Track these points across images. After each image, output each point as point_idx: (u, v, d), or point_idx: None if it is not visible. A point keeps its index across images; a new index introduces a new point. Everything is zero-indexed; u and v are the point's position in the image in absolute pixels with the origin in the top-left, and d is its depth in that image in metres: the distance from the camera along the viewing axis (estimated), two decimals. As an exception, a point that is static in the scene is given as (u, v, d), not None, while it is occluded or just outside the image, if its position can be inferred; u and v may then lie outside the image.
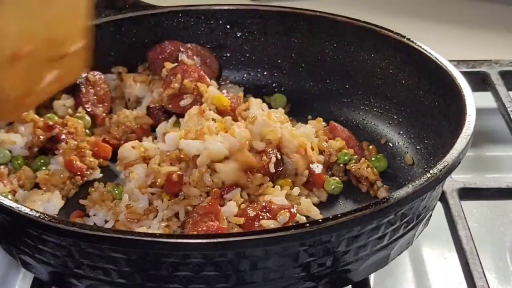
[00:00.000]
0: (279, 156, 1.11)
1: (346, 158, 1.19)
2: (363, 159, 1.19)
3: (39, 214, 0.88)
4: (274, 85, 1.38)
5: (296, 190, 1.11)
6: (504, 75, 1.47)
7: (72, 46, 1.08)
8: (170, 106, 1.24)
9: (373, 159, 1.20)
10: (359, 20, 1.31)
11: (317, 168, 1.15)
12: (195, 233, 1.00)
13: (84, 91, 1.28)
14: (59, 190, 1.15)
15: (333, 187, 1.15)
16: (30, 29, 1.02)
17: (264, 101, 1.29)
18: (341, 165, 1.19)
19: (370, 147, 1.23)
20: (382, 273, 1.07)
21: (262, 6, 1.40)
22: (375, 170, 1.17)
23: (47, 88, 1.08)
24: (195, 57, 1.33)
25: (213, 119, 1.17)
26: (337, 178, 1.17)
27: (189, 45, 1.35)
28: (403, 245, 1.00)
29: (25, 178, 1.15)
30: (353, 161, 1.19)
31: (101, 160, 1.22)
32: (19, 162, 1.18)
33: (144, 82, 1.32)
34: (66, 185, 1.16)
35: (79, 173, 1.17)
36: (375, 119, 1.29)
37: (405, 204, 0.91)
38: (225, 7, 1.39)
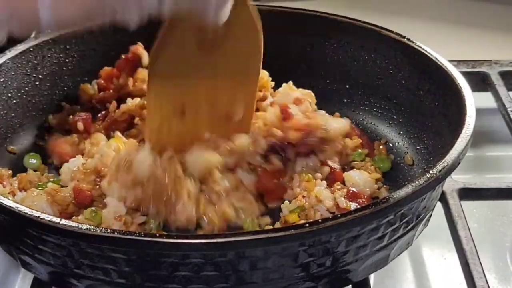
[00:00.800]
0: None
1: (360, 157, 1.19)
2: (367, 158, 1.19)
3: (39, 214, 0.88)
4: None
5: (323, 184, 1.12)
6: (504, 75, 1.47)
7: (235, 111, 1.12)
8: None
9: (375, 159, 1.20)
10: (359, 20, 1.31)
11: (335, 165, 1.15)
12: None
13: None
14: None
15: None
16: (194, 89, 1.08)
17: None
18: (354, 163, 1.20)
19: (381, 147, 1.23)
20: (382, 273, 1.07)
21: (262, 6, 1.39)
22: (378, 170, 1.17)
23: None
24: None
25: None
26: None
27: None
28: (402, 245, 1.00)
29: (26, 182, 1.14)
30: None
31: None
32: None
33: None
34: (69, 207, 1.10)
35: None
36: (375, 119, 1.29)
37: (405, 204, 0.91)
38: (225, 7, 1.39)
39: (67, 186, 1.10)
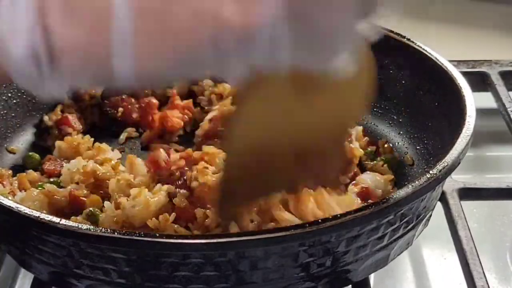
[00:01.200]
0: None
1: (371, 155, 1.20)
2: (379, 157, 1.19)
3: (38, 214, 0.88)
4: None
5: None
6: (504, 75, 1.47)
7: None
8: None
9: (383, 158, 1.20)
10: (359, 20, 1.31)
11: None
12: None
13: None
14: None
15: None
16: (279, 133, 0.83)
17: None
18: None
19: (385, 145, 1.23)
20: (382, 273, 1.07)
21: (262, 6, 1.40)
22: (389, 170, 1.17)
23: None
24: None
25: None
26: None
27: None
28: (402, 245, 1.00)
29: (26, 181, 1.14)
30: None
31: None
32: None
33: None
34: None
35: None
36: (375, 119, 1.29)
37: (405, 204, 0.91)
38: (225, 7, 1.39)
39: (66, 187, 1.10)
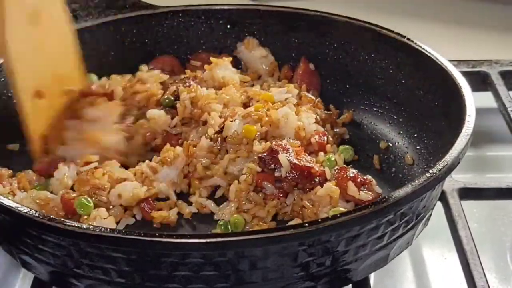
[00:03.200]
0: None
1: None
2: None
3: (38, 214, 0.88)
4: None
5: None
6: (504, 75, 1.47)
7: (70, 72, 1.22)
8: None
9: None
10: (359, 20, 1.31)
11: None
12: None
13: None
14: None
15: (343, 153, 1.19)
16: (41, 70, 1.17)
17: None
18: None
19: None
20: (382, 273, 1.07)
21: (262, 6, 1.40)
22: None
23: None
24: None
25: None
26: (347, 146, 1.21)
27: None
28: (402, 245, 1.00)
29: (25, 181, 1.14)
30: None
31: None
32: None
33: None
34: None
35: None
36: (375, 119, 1.29)
37: (405, 203, 0.91)
38: (225, 7, 1.39)
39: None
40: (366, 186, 1.07)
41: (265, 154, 1.10)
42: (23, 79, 1.14)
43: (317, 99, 1.28)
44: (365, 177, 1.08)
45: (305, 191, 1.09)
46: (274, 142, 1.11)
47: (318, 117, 1.23)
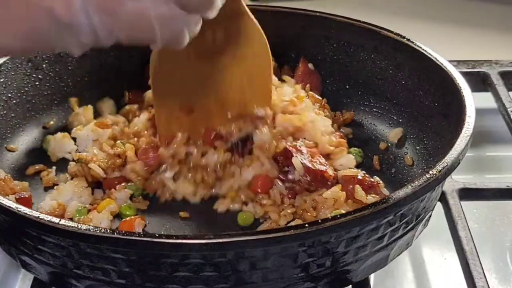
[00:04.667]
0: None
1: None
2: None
3: (38, 215, 0.88)
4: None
5: None
6: (504, 75, 1.47)
7: (250, 110, 1.16)
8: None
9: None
10: (359, 20, 1.31)
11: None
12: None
13: None
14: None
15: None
16: (200, 90, 1.14)
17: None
18: None
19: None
20: (382, 273, 1.07)
21: (261, 6, 1.40)
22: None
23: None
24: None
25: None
26: (356, 149, 1.20)
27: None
28: (402, 246, 1.00)
29: (26, 188, 1.14)
30: None
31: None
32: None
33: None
34: None
35: None
36: (375, 119, 1.29)
37: (405, 204, 0.91)
38: (225, 7, 1.39)
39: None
40: (373, 189, 1.06)
41: (280, 156, 1.10)
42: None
43: (324, 100, 1.28)
44: (372, 179, 1.08)
45: (311, 191, 1.09)
46: (288, 143, 1.11)
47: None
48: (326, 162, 1.12)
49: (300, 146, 1.11)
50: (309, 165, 1.08)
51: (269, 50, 1.15)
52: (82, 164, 1.16)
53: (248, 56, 1.14)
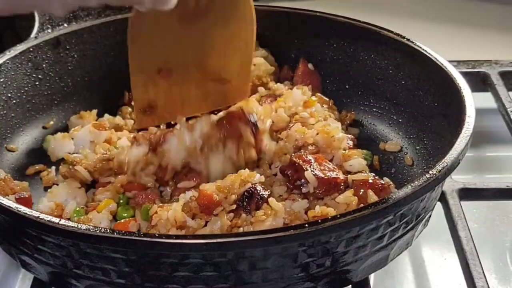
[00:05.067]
0: None
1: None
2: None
3: (38, 215, 0.88)
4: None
5: None
6: (504, 75, 1.47)
7: (228, 76, 1.14)
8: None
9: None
10: (359, 20, 1.31)
11: None
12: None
13: None
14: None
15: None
16: (180, 53, 1.10)
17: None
18: None
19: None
20: (382, 273, 1.07)
21: (261, 6, 1.40)
22: None
23: (193, 106, 1.15)
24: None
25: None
26: (365, 151, 1.19)
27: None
28: (402, 246, 1.00)
29: (26, 188, 1.14)
30: None
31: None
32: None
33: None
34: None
35: None
36: (375, 119, 1.29)
37: (404, 204, 0.91)
38: (225, 7, 1.39)
39: None
40: (385, 191, 1.05)
41: (289, 171, 1.08)
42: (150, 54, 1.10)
43: (331, 101, 1.28)
44: (383, 182, 1.07)
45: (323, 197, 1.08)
46: (293, 155, 1.10)
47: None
48: (335, 166, 1.10)
49: (306, 156, 1.09)
50: (321, 175, 1.06)
51: (254, 18, 1.12)
52: (70, 166, 1.15)
53: (231, 21, 1.11)
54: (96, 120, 1.27)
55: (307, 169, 1.06)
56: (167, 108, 1.15)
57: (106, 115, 1.29)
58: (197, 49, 1.12)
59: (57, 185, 1.15)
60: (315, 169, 1.07)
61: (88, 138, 1.21)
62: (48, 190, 1.14)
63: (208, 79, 1.14)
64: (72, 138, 1.23)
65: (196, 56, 1.12)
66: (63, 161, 1.19)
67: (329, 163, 1.10)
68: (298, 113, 1.20)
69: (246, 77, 1.18)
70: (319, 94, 1.29)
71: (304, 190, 1.06)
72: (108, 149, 1.18)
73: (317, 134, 1.15)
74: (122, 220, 1.07)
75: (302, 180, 1.06)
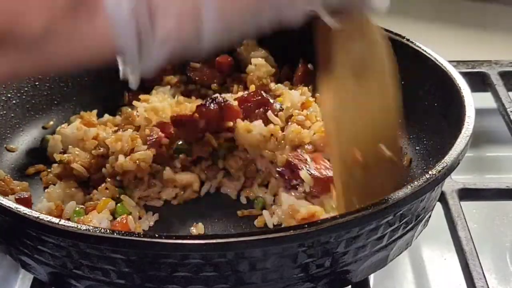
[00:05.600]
0: None
1: None
2: None
3: (38, 215, 0.88)
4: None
5: None
6: (504, 75, 1.47)
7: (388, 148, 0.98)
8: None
9: None
10: (359, 20, 1.31)
11: None
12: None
13: None
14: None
15: None
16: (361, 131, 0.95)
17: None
18: None
19: None
20: (382, 274, 1.07)
21: (261, 7, 1.40)
22: None
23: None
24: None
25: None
26: None
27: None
28: (402, 246, 1.00)
29: (26, 188, 1.14)
30: None
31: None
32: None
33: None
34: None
35: None
36: (375, 119, 1.29)
37: (404, 205, 0.91)
38: (225, 8, 1.39)
39: None
40: None
41: (284, 169, 1.09)
42: (341, 142, 0.94)
43: None
44: None
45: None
46: (290, 155, 1.10)
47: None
48: (330, 164, 1.10)
49: (302, 155, 1.09)
50: (317, 174, 1.06)
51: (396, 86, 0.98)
52: (65, 165, 1.15)
53: (383, 84, 0.99)
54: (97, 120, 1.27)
55: (302, 168, 1.06)
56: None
57: (106, 115, 1.29)
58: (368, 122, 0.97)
59: (54, 185, 1.15)
60: (311, 168, 1.07)
61: (76, 135, 1.20)
62: (46, 190, 1.14)
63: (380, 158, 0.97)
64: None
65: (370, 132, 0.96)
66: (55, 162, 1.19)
67: (326, 161, 1.10)
68: (295, 116, 1.20)
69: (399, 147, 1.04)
70: (318, 94, 1.29)
71: (300, 189, 1.07)
72: (97, 145, 1.18)
73: (314, 134, 1.15)
74: (119, 219, 1.07)
75: (298, 179, 1.06)
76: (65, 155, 1.16)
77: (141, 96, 1.27)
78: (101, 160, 1.16)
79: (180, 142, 1.16)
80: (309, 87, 1.30)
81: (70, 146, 1.19)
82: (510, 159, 1.42)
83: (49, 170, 1.19)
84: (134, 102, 1.26)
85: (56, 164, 1.17)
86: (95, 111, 1.29)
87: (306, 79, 1.33)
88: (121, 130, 1.20)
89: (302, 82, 1.32)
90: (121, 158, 1.12)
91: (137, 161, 1.12)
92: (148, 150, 1.13)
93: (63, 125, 1.23)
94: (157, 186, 1.14)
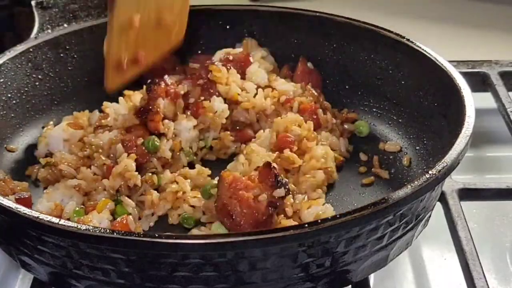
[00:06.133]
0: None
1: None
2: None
3: (38, 215, 0.88)
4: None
5: None
6: (504, 75, 1.47)
7: (172, 14, 1.22)
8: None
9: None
10: (359, 20, 1.31)
11: None
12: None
13: None
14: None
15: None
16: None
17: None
18: None
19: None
20: (382, 273, 1.07)
21: (262, 6, 1.40)
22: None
23: (149, 56, 1.22)
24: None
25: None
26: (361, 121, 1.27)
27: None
28: (402, 246, 1.00)
29: (26, 188, 1.14)
30: None
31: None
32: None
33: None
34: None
35: None
36: (375, 119, 1.29)
37: (404, 204, 0.91)
38: (225, 7, 1.40)
39: None
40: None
41: (262, 169, 1.07)
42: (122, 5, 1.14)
43: (322, 97, 1.29)
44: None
45: None
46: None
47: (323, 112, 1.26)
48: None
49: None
50: None
51: None
52: (52, 168, 1.15)
53: None
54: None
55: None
56: (132, 61, 1.20)
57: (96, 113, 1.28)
58: None
59: (53, 185, 1.15)
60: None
61: (62, 137, 1.19)
62: (44, 190, 1.14)
63: (160, 24, 1.22)
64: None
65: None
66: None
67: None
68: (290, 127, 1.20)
69: (184, 18, 1.28)
70: (308, 87, 1.29)
71: (278, 190, 1.04)
72: (83, 147, 1.17)
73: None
74: (119, 219, 1.07)
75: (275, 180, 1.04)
76: (49, 158, 1.17)
77: (126, 92, 1.27)
78: (87, 161, 1.16)
79: (153, 138, 1.16)
80: (309, 85, 1.31)
81: (56, 150, 1.18)
82: (510, 159, 1.42)
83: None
84: (105, 103, 1.26)
85: (42, 169, 1.16)
86: (87, 111, 1.28)
87: (306, 78, 1.33)
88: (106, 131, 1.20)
89: (302, 80, 1.32)
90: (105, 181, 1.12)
91: (121, 173, 1.11)
92: (127, 156, 1.13)
93: (49, 126, 1.23)
94: (154, 194, 1.13)
